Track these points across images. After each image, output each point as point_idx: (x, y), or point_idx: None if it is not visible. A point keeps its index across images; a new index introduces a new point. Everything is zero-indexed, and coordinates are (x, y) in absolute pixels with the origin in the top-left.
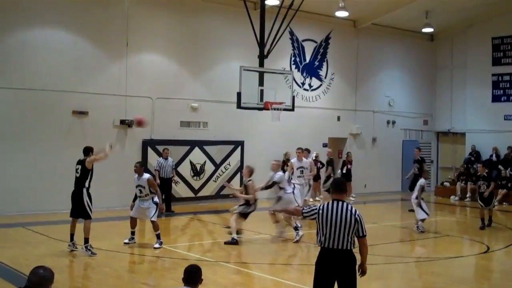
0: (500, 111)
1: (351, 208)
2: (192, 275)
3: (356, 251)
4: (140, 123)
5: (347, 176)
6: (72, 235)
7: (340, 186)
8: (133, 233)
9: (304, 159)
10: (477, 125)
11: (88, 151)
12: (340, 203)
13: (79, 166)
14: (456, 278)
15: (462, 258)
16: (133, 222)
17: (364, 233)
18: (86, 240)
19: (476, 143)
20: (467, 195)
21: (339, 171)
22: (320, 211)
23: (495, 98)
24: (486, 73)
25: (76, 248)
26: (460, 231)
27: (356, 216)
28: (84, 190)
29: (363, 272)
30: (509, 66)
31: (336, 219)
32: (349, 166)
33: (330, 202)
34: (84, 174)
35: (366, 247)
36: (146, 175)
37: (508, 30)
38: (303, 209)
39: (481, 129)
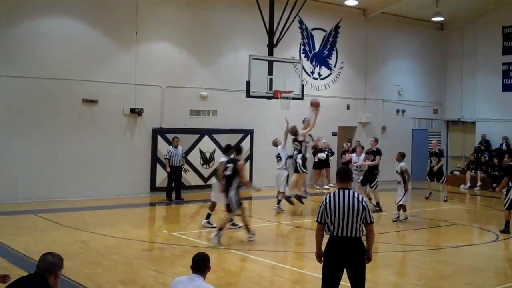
0: (510, 100)
1: (358, 195)
2: (200, 262)
3: (363, 238)
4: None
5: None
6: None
7: (345, 175)
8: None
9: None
10: (487, 114)
11: (239, 151)
12: (347, 191)
13: (231, 165)
14: (465, 267)
15: (471, 246)
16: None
17: (372, 220)
18: (220, 229)
19: (486, 132)
20: (477, 184)
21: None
22: (327, 200)
23: (506, 87)
24: (497, 62)
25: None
26: (469, 219)
27: (363, 203)
28: (233, 187)
29: (368, 259)
30: None
31: (344, 208)
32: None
33: (337, 191)
34: (235, 173)
35: (373, 234)
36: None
37: None
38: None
39: (491, 118)
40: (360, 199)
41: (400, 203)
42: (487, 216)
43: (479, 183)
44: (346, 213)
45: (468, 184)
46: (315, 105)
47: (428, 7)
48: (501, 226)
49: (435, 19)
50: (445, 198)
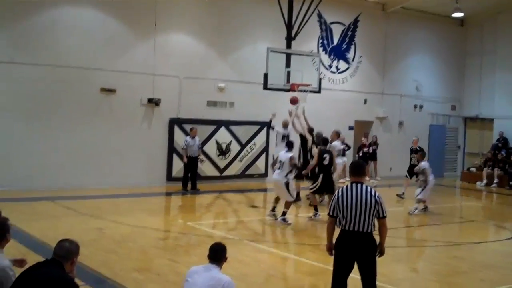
0: None
1: (371, 189)
2: (217, 252)
3: (375, 233)
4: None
5: (368, 158)
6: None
7: (358, 169)
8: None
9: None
10: (506, 111)
11: (326, 141)
12: (359, 185)
13: (327, 155)
14: (480, 263)
15: (486, 243)
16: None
17: (384, 214)
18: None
19: (504, 130)
20: (494, 181)
21: (356, 155)
22: (340, 194)
23: None
24: None
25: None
26: (485, 216)
27: (376, 197)
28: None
29: (381, 253)
30: None
31: (356, 202)
32: (374, 147)
33: (349, 185)
34: (330, 161)
35: (385, 228)
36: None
37: None
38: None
39: (510, 115)
40: (373, 193)
41: (419, 197)
42: (503, 214)
43: (496, 181)
44: (359, 207)
45: (485, 181)
46: (294, 101)
47: (448, 3)
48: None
49: (455, 15)
50: (401, 194)
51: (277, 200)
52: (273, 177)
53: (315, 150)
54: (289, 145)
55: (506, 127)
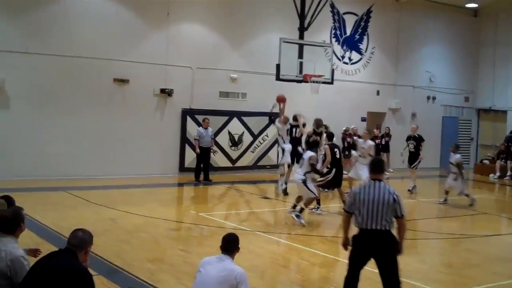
0: None
1: (389, 187)
2: (230, 243)
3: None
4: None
5: (380, 149)
6: None
7: (378, 166)
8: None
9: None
10: None
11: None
12: (378, 182)
13: (337, 150)
14: (492, 256)
15: (499, 236)
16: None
17: (403, 213)
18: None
19: None
20: (507, 174)
21: None
22: (358, 191)
23: None
24: None
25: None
26: (498, 209)
27: (394, 196)
28: None
29: (398, 252)
30: None
31: (374, 199)
32: (387, 139)
33: (368, 181)
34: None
35: (404, 228)
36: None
37: None
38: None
39: None
40: (391, 191)
41: (466, 193)
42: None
43: (509, 173)
44: (375, 204)
45: (498, 174)
46: (280, 100)
47: None
48: None
49: (469, 5)
50: (410, 188)
51: (299, 199)
52: (294, 176)
53: (325, 147)
54: (312, 145)
55: None
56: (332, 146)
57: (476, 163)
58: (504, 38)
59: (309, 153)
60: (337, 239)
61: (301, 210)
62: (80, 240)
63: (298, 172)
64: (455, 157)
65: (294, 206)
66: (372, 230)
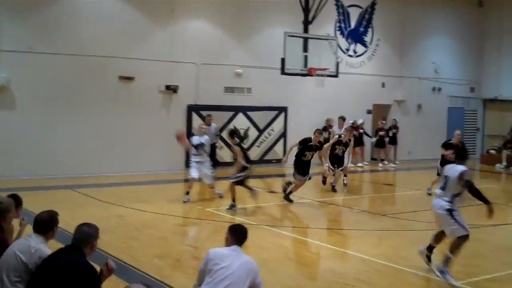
0: None
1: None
2: (244, 234)
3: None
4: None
5: (383, 142)
6: None
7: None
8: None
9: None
10: None
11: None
12: None
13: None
14: (500, 246)
15: (507, 226)
16: None
17: None
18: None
19: None
20: (506, 163)
21: (374, 138)
22: None
23: None
24: None
25: None
26: (505, 199)
27: None
28: None
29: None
30: None
31: None
32: (394, 131)
33: None
34: None
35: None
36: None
37: None
38: None
39: None
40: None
41: None
42: None
43: (508, 162)
44: None
45: (504, 163)
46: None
47: None
48: None
49: None
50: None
51: (438, 237)
52: (433, 202)
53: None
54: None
55: None
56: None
57: (483, 153)
58: (509, 28)
59: (458, 168)
60: (345, 232)
61: (447, 260)
62: (86, 235)
63: (439, 195)
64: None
65: (430, 248)
66: None
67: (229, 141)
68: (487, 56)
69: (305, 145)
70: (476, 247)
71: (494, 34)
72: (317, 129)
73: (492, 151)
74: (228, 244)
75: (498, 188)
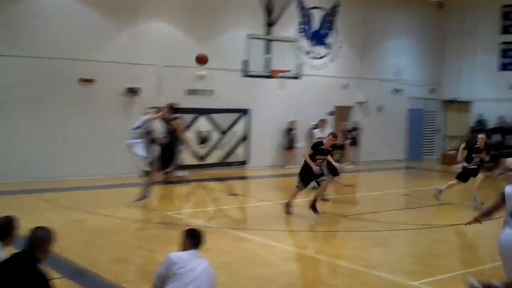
0: (506, 79)
1: None
2: (201, 238)
3: None
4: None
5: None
6: None
7: None
8: None
9: None
10: (484, 93)
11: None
12: None
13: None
14: (457, 245)
15: (464, 225)
16: None
17: None
18: None
19: (483, 112)
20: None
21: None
22: None
23: (503, 67)
24: (495, 41)
25: None
26: (463, 198)
27: None
28: None
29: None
30: None
31: None
32: (355, 132)
33: None
34: None
35: None
36: None
37: None
38: None
39: (487, 97)
40: None
41: None
42: (480, 195)
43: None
44: None
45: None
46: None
47: None
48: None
49: None
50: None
51: None
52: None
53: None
54: None
55: (484, 109)
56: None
57: (442, 154)
58: (469, 29)
59: None
60: (303, 233)
61: None
62: (39, 239)
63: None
64: None
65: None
66: None
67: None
68: (447, 58)
69: (317, 149)
70: (435, 246)
71: (454, 35)
72: (332, 133)
73: (452, 152)
74: (185, 248)
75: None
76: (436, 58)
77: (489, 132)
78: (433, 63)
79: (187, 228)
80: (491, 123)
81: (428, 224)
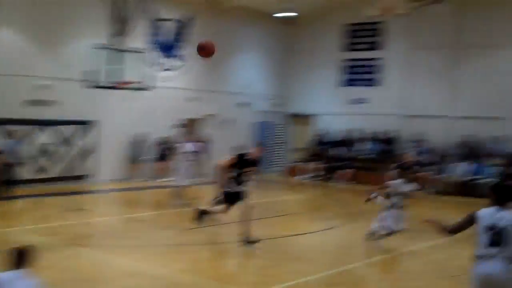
0: (346, 95)
1: None
2: (23, 256)
3: None
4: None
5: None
6: None
7: None
8: None
9: None
10: (327, 108)
11: None
12: None
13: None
14: (290, 255)
15: (297, 236)
16: None
17: None
18: None
19: (325, 125)
20: (312, 175)
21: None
22: None
23: (343, 83)
24: (337, 58)
25: None
26: (304, 209)
27: None
28: None
29: None
30: (357, 52)
31: None
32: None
33: None
34: None
35: None
36: None
37: (356, 17)
38: None
39: (329, 111)
40: None
41: None
42: (320, 206)
43: (314, 174)
44: None
45: (309, 175)
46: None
47: (273, 3)
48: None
49: (285, 14)
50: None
51: None
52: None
53: None
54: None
55: (326, 122)
56: None
57: (288, 165)
58: (315, 47)
59: None
60: (146, 248)
61: None
62: None
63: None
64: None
65: None
66: None
67: None
68: (294, 73)
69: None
70: (268, 257)
71: (302, 52)
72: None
73: (297, 163)
74: (12, 268)
75: (300, 199)
76: (284, 73)
77: (329, 145)
78: (281, 78)
79: (16, 246)
80: (336, 136)
81: (267, 235)
